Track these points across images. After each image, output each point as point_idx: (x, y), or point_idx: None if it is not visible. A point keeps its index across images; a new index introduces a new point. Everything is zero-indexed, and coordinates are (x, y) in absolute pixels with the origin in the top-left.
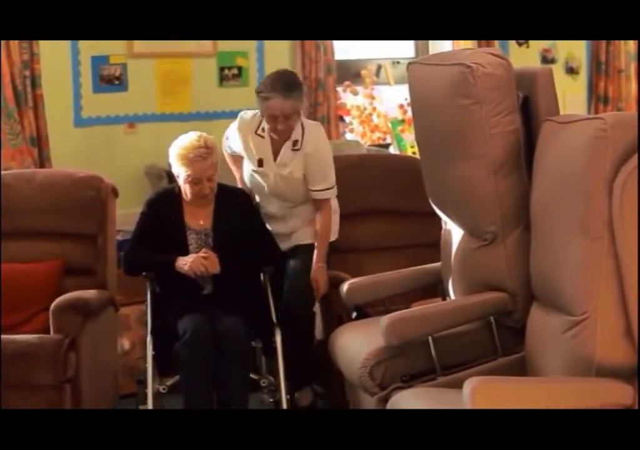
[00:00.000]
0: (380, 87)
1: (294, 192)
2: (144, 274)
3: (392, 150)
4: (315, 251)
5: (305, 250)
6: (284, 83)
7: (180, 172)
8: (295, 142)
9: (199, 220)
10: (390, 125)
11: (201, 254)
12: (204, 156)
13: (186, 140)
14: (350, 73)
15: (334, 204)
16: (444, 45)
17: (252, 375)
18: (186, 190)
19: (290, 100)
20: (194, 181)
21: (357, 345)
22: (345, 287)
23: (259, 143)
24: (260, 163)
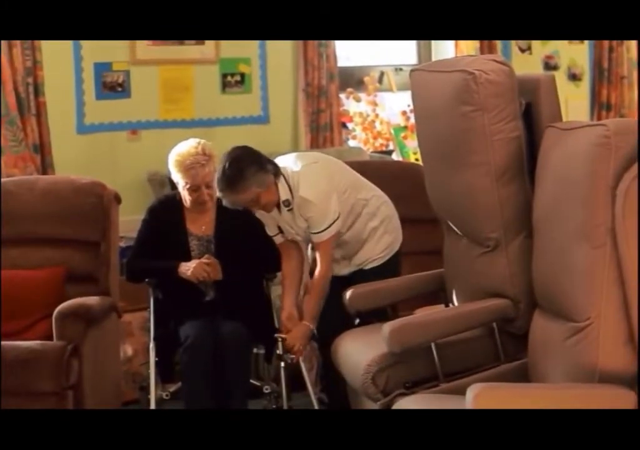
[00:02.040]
0: (383, 93)
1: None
2: (146, 280)
3: (395, 157)
4: (304, 305)
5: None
6: (226, 179)
7: (179, 179)
8: (285, 203)
9: (200, 226)
10: (392, 132)
11: (203, 260)
12: (202, 163)
13: (184, 147)
14: (352, 80)
15: (388, 209)
16: (446, 52)
17: (254, 382)
18: (185, 197)
19: (238, 194)
20: (192, 188)
21: (359, 352)
22: (347, 294)
23: (268, 214)
24: (280, 229)
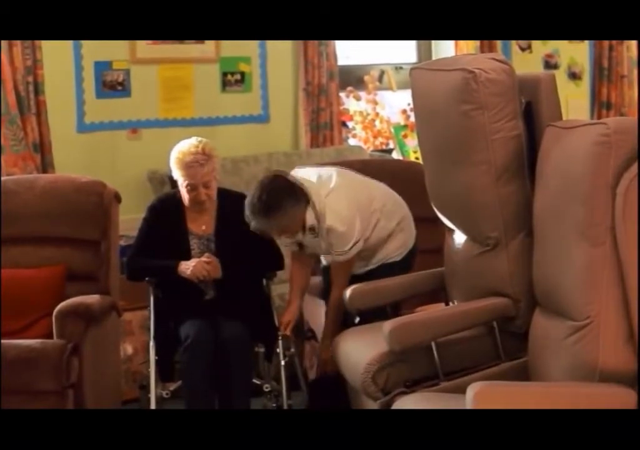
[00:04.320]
0: (383, 92)
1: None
2: (146, 279)
3: (395, 155)
4: (324, 327)
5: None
6: (262, 206)
7: (178, 177)
8: (311, 229)
9: (201, 225)
10: (393, 130)
11: (204, 258)
12: (201, 162)
13: (185, 145)
14: (352, 78)
15: (402, 210)
16: (446, 50)
17: (255, 381)
18: (184, 195)
19: (272, 220)
20: (189, 187)
21: (360, 350)
22: (348, 292)
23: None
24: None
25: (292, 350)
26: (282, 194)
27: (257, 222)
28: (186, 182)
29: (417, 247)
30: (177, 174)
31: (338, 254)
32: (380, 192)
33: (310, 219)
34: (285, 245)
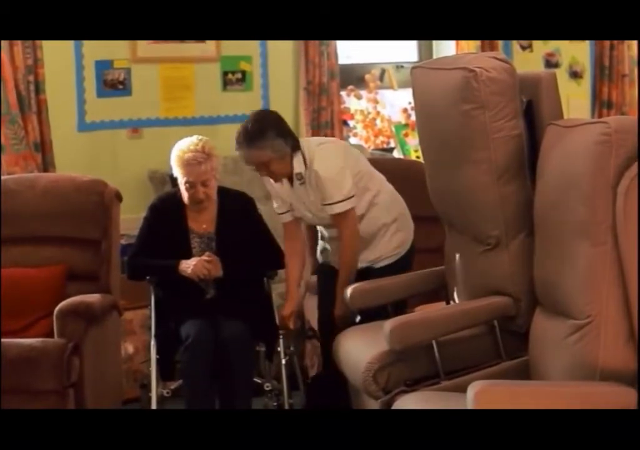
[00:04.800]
0: (384, 91)
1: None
2: (147, 278)
3: (396, 154)
4: (338, 286)
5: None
6: (246, 133)
7: (178, 174)
8: (299, 176)
9: (202, 224)
10: (394, 129)
11: (204, 257)
12: (200, 160)
13: (185, 143)
14: (353, 77)
15: (401, 207)
16: (447, 49)
17: (255, 380)
18: (183, 193)
19: (254, 150)
20: (188, 184)
21: (360, 349)
22: (349, 291)
23: (280, 188)
24: (290, 206)
25: (292, 349)
26: (269, 125)
27: (242, 151)
28: (185, 179)
29: (415, 248)
30: (177, 172)
31: (331, 205)
32: (379, 180)
33: (298, 166)
34: (278, 212)
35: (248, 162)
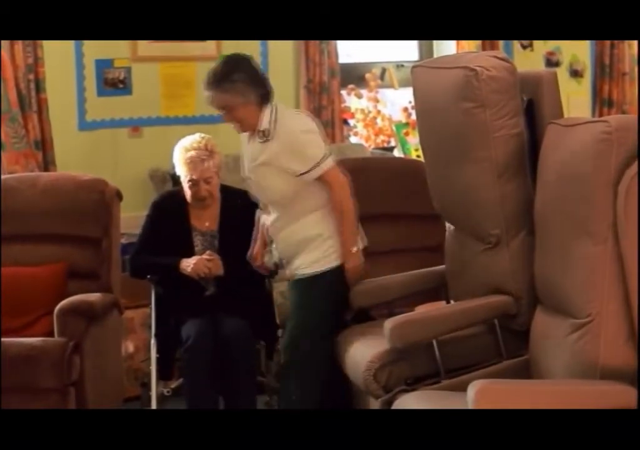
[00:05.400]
0: (385, 90)
1: (265, 187)
2: (148, 277)
3: (397, 153)
4: (344, 228)
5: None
6: (214, 73)
7: (181, 172)
8: (263, 133)
9: (204, 222)
10: (394, 128)
11: (205, 256)
12: (202, 158)
13: (188, 140)
14: (354, 76)
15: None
16: (448, 48)
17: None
18: (186, 191)
19: (220, 92)
20: (190, 182)
21: (361, 348)
22: (351, 290)
23: (245, 147)
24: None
25: None
26: (238, 69)
27: (208, 93)
28: (188, 177)
29: (341, 270)
30: (180, 169)
31: (310, 171)
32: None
33: (265, 121)
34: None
35: (213, 105)
